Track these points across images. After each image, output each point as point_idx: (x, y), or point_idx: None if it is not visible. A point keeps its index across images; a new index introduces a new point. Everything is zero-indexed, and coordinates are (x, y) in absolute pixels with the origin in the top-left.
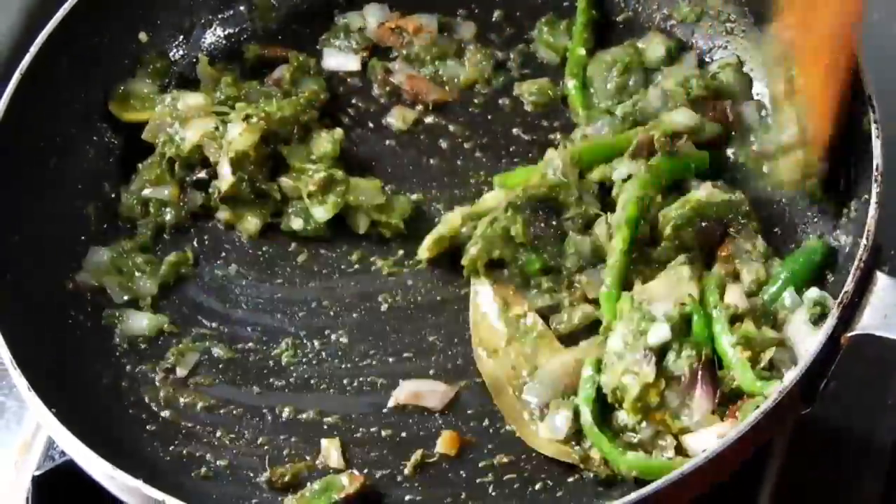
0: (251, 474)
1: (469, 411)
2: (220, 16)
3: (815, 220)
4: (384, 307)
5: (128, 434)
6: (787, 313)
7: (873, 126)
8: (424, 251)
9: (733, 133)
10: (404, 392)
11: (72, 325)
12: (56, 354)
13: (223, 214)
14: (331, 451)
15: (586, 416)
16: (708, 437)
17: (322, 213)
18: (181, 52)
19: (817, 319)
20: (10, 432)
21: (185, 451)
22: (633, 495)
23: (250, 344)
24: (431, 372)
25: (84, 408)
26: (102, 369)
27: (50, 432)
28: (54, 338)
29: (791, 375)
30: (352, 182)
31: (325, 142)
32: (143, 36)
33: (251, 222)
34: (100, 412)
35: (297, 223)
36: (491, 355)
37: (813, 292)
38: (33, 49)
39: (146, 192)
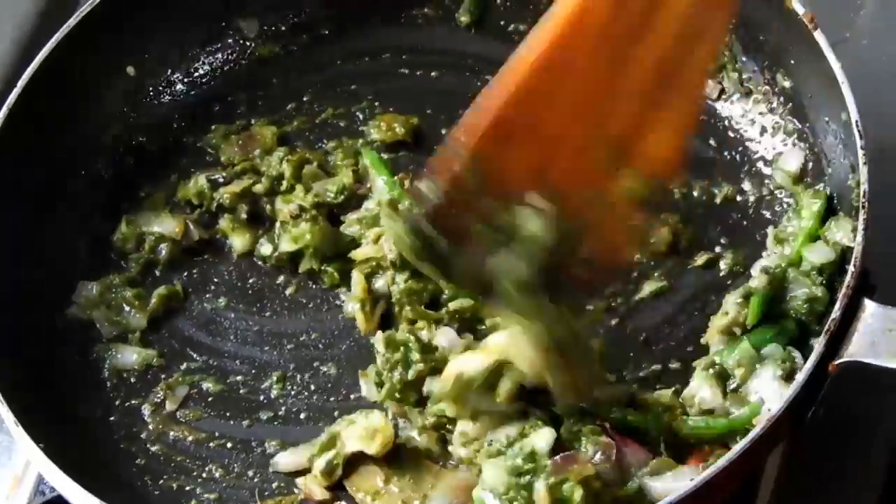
0: None
1: None
2: (207, 48)
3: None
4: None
5: (118, 468)
6: (743, 370)
7: (860, 152)
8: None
9: None
10: None
11: (61, 359)
12: (45, 389)
13: (223, 222)
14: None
15: None
16: (671, 483)
17: (286, 244)
18: (168, 85)
19: (787, 376)
20: (1, 467)
21: (174, 485)
22: None
23: (239, 377)
24: None
25: (73, 442)
26: (92, 404)
27: (38, 467)
28: (43, 372)
29: (779, 403)
30: (320, 225)
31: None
32: (130, 70)
33: (242, 239)
34: (89, 447)
35: (266, 249)
36: (375, 498)
37: (772, 349)
38: (21, 83)
39: (154, 227)
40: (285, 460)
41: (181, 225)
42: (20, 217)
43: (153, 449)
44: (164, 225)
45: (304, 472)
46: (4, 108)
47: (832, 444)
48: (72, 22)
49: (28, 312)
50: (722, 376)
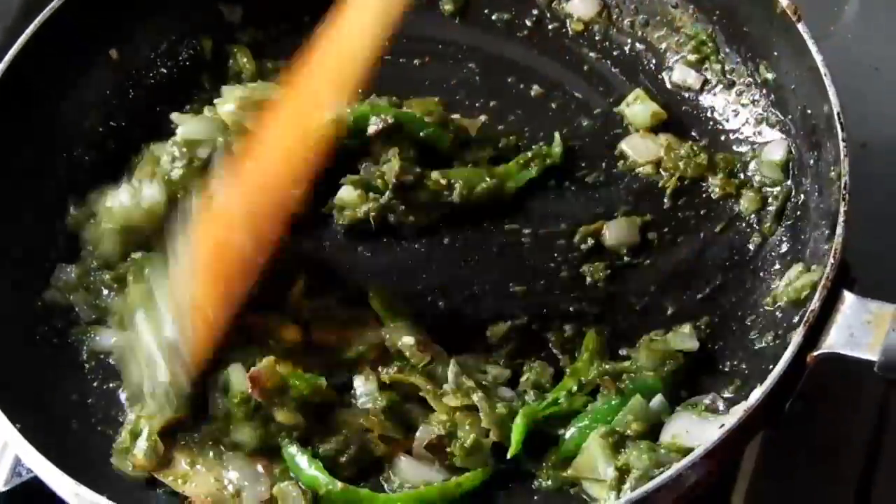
0: None
1: None
2: (191, 33)
3: None
4: None
5: (95, 451)
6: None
7: (841, 144)
8: None
9: None
10: None
11: (40, 342)
12: (24, 371)
13: None
14: None
15: None
16: None
17: None
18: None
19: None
20: None
21: None
22: None
23: None
24: None
25: (50, 424)
26: (70, 386)
27: (15, 448)
28: (22, 355)
29: (756, 394)
30: None
31: None
32: (113, 53)
33: None
34: (67, 429)
35: None
36: (187, 480)
37: (657, 401)
38: (1, 67)
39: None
40: None
41: None
42: (1, 200)
43: None
44: None
45: None
46: None
47: (809, 433)
48: (55, 4)
49: (6, 296)
50: None
